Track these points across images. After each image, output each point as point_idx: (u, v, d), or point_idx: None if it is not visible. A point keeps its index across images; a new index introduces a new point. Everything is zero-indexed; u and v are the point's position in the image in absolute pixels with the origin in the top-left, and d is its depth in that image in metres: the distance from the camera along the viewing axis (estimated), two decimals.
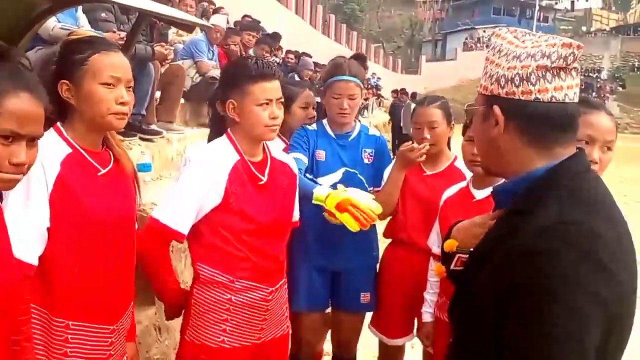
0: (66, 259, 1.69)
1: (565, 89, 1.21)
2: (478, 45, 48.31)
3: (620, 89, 41.91)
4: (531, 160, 1.24)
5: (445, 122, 2.76)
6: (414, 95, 20.20)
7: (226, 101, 2.10)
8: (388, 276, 2.94)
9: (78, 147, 1.72)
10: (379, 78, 25.48)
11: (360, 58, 2.91)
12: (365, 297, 2.88)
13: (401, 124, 15.92)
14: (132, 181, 1.89)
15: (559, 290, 1.06)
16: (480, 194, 2.47)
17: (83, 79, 1.69)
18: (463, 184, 2.60)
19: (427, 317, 2.69)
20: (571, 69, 1.22)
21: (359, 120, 2.97)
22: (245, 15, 9.53)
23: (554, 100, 1.20)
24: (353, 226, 2.44)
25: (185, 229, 2.05)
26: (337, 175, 2.73)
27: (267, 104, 2.06)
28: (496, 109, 1.24)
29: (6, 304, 1.36)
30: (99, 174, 1.75)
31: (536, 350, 1.07)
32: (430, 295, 2.67)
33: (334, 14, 33.29)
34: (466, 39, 49.77)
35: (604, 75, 44.29)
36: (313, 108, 3.04)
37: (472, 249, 1.40)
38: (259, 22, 9.43)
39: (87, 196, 1.69)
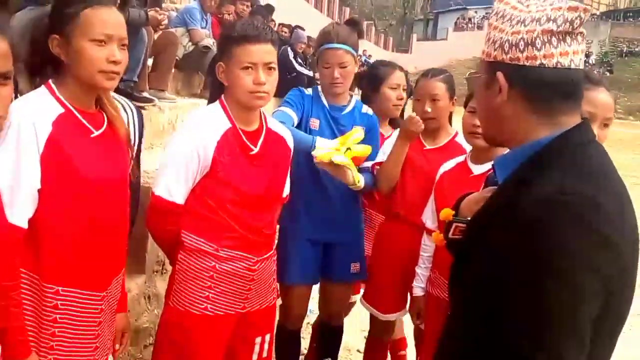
0: (57, 223, 1.65)
1: (571, 55, 1.18)
2: (469, 25, 48.10)
3: (608, 74, 42.08)
4: (535, 130, 1.21)
5: (448, 96, 2.72)
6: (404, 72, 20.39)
7: (217, 64, 2.06)
8: (382, 251, 2.95)
9: (71, 107, 1.67)
10: (369, 56, 25.27)
11: (352, 23, 2.82)
12: (355, 266, 2.90)
13: None
14: (126, 145, 1.84)
15: (558, 263, 1.05)
16: (478, 169, 2.44)
17: (73, 34, 1.63)
18: (461, 158, 2.57)
19: (418, 292, 2.69)
20: (577, 34, 1.18)
21: (353, 95, 2.92)
22: None
23: (559, 65, 1.17)
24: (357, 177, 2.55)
25: (180, 199, 2.02)
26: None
27: (250, 67, 1.99)
28: (499, 75, 1.21)
29: None
30: (92, 135, 1.71)
31: (531, 321, 1.06)
32: (422, 270, 2.67)
33: None
34: (457, 19, 49.49)
35: (592, 59, 44.40)
36: (404, 89, 3.00)
37: (469, 218, 1.39)
38: None
39: (79, 158, 1.65)
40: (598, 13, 56.15)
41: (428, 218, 2.64)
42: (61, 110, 1.65)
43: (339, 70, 2.65)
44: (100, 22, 1.64)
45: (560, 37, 1.17)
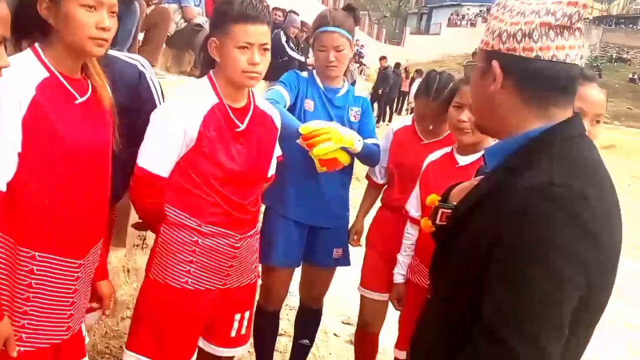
0: (36, 187, 1.63)
1: (567, 49, 1.19)
2: (462, 22, 48.24)
3: (597, 78, 42.50)
4: (527, 120, 1.22)
5: None
6: (397, 65, 20.42)
7: (210, 39, 2.04)
8: (375, 235, 3.00)
9: (55, 72, 1.64)
10: (362, 46, 25.23)
11: (349, 9, 2.83)
12: (337, 252, 2.91)
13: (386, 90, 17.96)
14: (109, 113, 1.82)
15: (542, 252, 1.07)
16: (464, 160, 2.46)
17: None
18: (448, 149, 2.58)
19: (398, 279, 2.72)
20: (575, 29, 1.19)
21: (346, 79, 2.93)
22: None
23: (554, 59, 1.18)
24: (345, 160, 2.59)
25: (164, 171, 2.00)
26: None
27: (246, 47, 1.98)
28: (495, 63, 1.22)
29: None
30: (76, 102, 1.69)
31: (513, 309, 1.07)
32: (404, 257, 2.70)
33: None
34: (451, 14, 49.62)
35: (582, 63, 44.79)
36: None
37: (455, 203, 1.40)
38: None
39: (61, 123, 1.63)
40: (591, 17, 56.60)
41: (412, 207, 2.65)
42: (46, 74, 1.62)
43: (335, 53, 2.66)
44: None
45: (558, 31, 1.18)
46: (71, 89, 1.68)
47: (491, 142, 2.35)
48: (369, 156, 2.78)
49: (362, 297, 3.04)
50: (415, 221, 2.62)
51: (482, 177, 1.39)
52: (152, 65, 4.85)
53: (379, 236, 2.98)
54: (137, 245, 3.60)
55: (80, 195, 1.72)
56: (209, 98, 2.03)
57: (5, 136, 1.54)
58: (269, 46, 2.04)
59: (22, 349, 1.66)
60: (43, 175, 1.63)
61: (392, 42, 43.49)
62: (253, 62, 1.98)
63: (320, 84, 2.78)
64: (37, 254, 1.66)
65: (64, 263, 1.72)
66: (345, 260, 2.96)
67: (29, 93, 1.57)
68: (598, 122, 1.93)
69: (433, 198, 1.56)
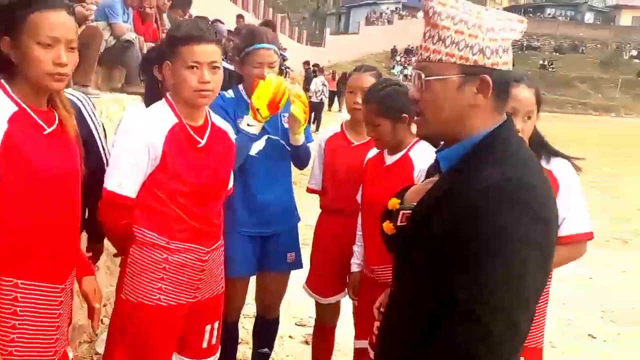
0: (13, 217, 1.69)
1: (510, 60, 1.36)
2: (380, 20, 49.12)
3: None
4: (485, 125, 1.36)
5: None
6: (320, 69, 21.03)
7: (163, 63, 2.13)
8: (321, 241, 3.10)
9: (24, 105, 1.71)
10: (284, 49, 25.32)
11: (269, 25, 2.94)
12: (291, 256, 2.99)
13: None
14: (76, 142, 1.88)
15: (503, 239, 1.21)
16: (390, 159, 2.63)
17: (21, 36, 1.66)
18: None
19: (354, 268, 2.84)
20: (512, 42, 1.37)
21: None
22: None
23: (508, 69, 1.35)
24: (301, 115, 2.66)
25: (131, 192, 2.07)
26: (261, 142, 2.76)
27: (196, 67, 2.07)
28: (485, 77, 1.32)
29: None
30: (45, 132, 1.75)
31: (485, 290, 1.20)
32: (359, 248, 2.81)
33: None
34: (369, 13, 50.38)
35: None
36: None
37: (414, 204, 1.50)
38: None
39: (34, 154, 1.70)
40: (501, 9, 58.82)
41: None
42: (15, 108, 1.69)
43: (269, 70, 2.70)
44: (47, 26, 1.67)
45: (510, 45, 1.35)
46: (39, 121, 1.74)
47: (410, 142, 2.58)
48: (305, 154, 2.89)
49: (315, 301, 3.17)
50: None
51: (434, 179, 1.51)
52: (86, 85, 4.86)
53: (324, 241, 3.08)
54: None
55: (57, 221, 1.79)
56: (169, 118, 2.12)
57: None
58: (218, 64, 2.13)
59: None
60: (19, 204, 1.69)
61: (314, 43, 43.79)
62: (203, 80, 2.07)
63: (250, 100, 2.76)
64: (19, 281, 1.72)
65: (47, 289, 1.78)
66: (298, 264, 3.05)
67: (1, 128, 1.63)
68: (529, 118, 2.14)
69: (394, 202, 1.65)
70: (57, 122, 1.80)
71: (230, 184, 2.43)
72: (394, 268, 1.57)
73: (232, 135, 2.39)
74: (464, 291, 1.22)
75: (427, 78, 1.36)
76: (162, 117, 2.12)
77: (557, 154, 2.25)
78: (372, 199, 2.57)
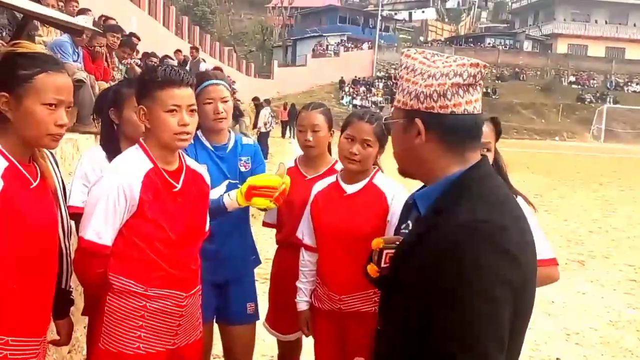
0: (5, 275, 1.67)
1: (474, 102, 1.42)
2: (327, 52, 49.91)
3: None
4: (449, 166, 1.43)
5: (327, 127, 2.93)
6: (267, 100, 21.97)
7: (137, 107, 2.13)
8: (279, 276, 3.08)
9: (14, 161, 1.71)
10: (233, 81, 25.40)
11: (218, 69, 2.97)
12: (251, 307, 2.97)
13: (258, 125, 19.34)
14: (55, 194, 1.89)
15: (473, 277, 1.26)
16: (351, 188, 2.66)
17: (25, 96, 1.67)
18: (332, 178, 2.75)
19: (302, 306, 2.81)
20: (477, 84, 1.42)
21: (230, 131, 2.99)
22: (103, 16, 9.13)
23: (465, 112, 1.40)
24: (265, 203, 2.58)
25: (108, 241, 2.05)
26: (222, 188, 2.75)
27: (175, 110, 2.08)
28: (418, 121, 1.41)
29: None
30: (31, 187, 1.75)
31: (458, 328, 1.26)
32: (304, 284, 2.80)
33: (185, 15, 32.64)
34: (315, 45, 51.17)
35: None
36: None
37: (397, 243, 1.56)
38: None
39: (25, 209, 1.69)
40: (442, 39, 60.79)
41: (305, 235, 2.79)
42: (6, 163, 1.69)
43: (222, 105, 2.73)
44: (54, 88, 1.69)
45: (465, 89, 1.41)
46: (27, 175, 1.75)
47: (371, 170, 2.63)
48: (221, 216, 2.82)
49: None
50: (309, 248, 2.77)
51: (416, 217, 1.55)
52: None
53: (281, 276, 3.06)
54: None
55: (43, 276, 1.79)
56: (144, 164, 2.11)
57: None
58: (195, 107, 2.15)
59: None
60: (11, 261, 1.68)
61: (262, 75, 44.17)
62: (183, 122, 2.08)
63: (208, 144, 2.81)
64: (10, 339, 1.69)
65: (31, 343, 1.76)
66: (256, 315, 3.03)
67: None
68: (489, 150, 2.25)
69: (377, 242, 1.65)
70: (39, 176, 1.80)
71: (207, 227, 2.40)
72: (379, 308, 1.61)
73: (207, 178, 2.39)
74: (438, 331, 1.28)
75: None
76: (136, 162, 2.11)
77: (516, 194, 2.30)
78: (334, 229, 2.60)
